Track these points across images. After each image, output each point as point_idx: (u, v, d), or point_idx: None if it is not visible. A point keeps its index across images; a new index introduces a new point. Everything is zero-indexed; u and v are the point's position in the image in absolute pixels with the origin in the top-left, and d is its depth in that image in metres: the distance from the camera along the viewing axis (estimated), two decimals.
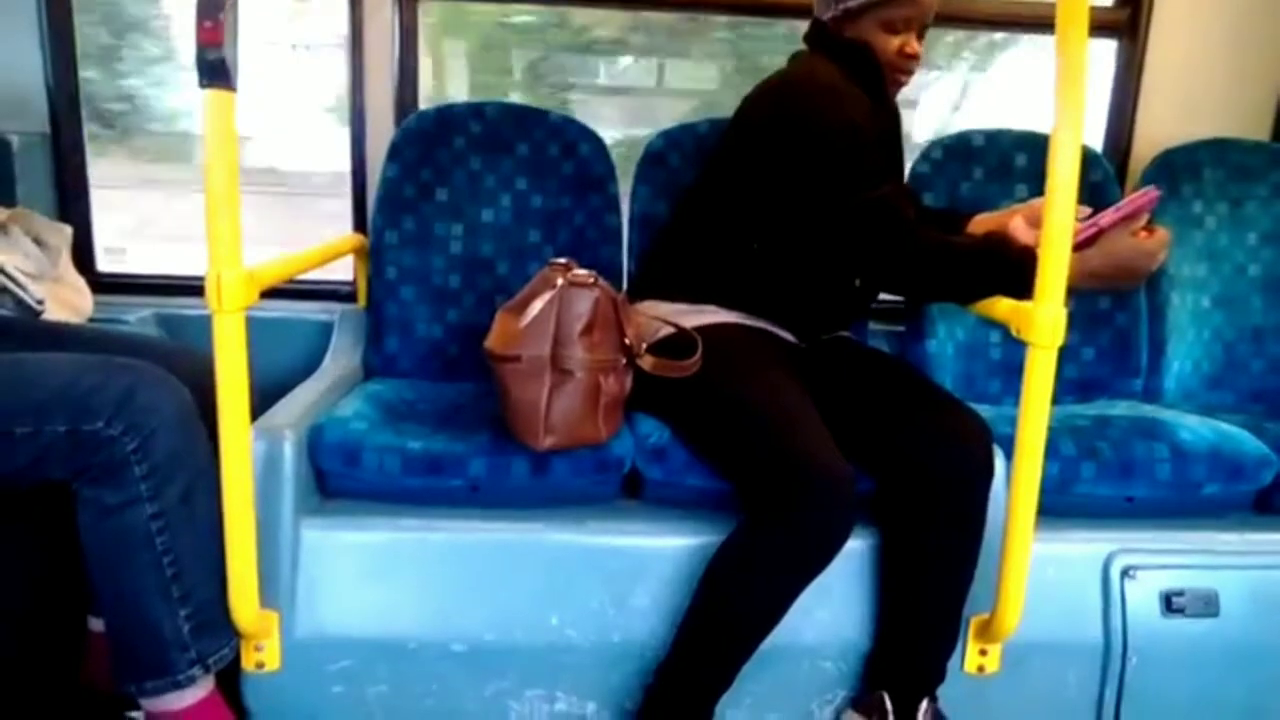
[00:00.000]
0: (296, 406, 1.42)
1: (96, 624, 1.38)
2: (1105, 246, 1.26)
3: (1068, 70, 1.05)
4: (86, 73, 1.93)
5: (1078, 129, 1.06)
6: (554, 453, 1.33)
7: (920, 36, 1.47)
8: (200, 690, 1.21)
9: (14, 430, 1.10)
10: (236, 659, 1.27)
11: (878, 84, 1.47)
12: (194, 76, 1.01)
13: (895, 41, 1.45)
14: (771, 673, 1.33)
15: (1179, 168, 1.88)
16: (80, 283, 1.75)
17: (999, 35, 2.71)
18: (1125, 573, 1.41)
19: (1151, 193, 1.26)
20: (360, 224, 1.98)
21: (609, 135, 1.85)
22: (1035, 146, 1.83)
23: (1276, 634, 1.42)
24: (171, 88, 3.73)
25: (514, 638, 1.34)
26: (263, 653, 1.29)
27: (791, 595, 1.24)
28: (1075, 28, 1.04)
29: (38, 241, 1.66)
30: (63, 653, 1.40)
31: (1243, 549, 1.46)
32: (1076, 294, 1.21)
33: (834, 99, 1.38)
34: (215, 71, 1.01)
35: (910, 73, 1.48)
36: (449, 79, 2.88)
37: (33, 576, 1.37)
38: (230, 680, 1.29)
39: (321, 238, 1.70)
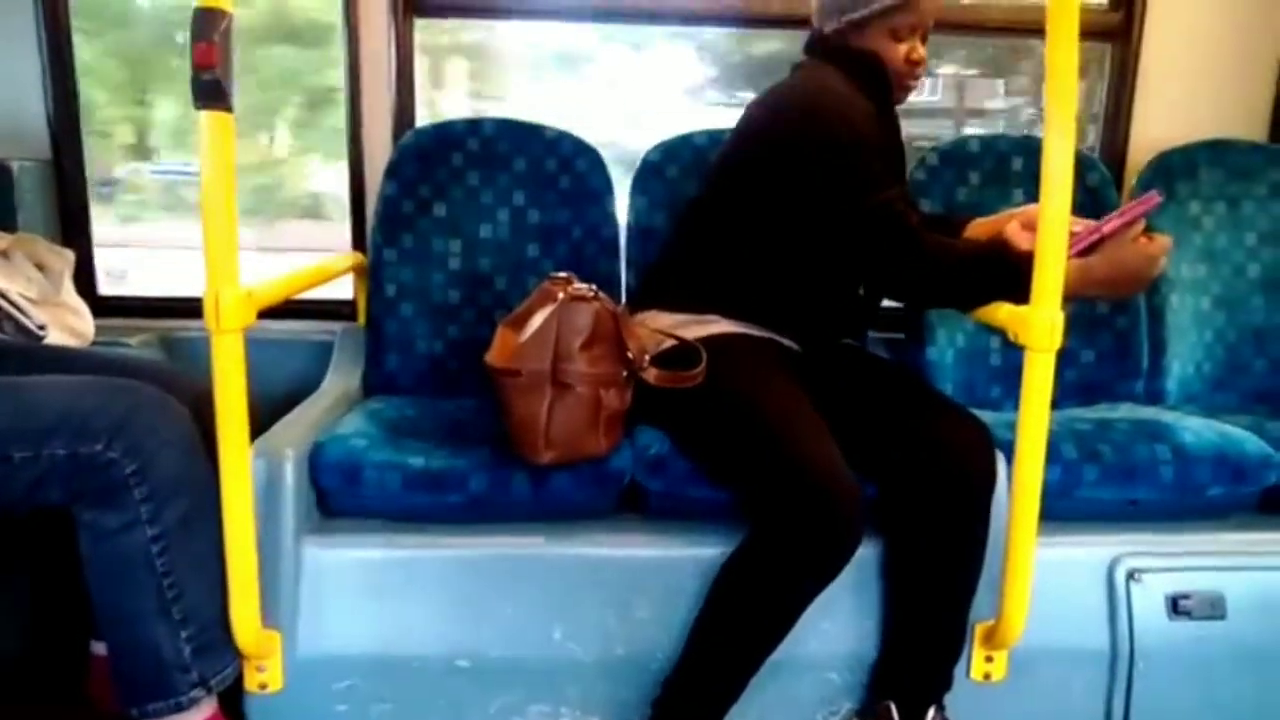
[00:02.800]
0: (297, 425, 1.42)
1: (99, 647, 1.37)
2: (1109, 253, 1.25)
3: (1058, 74, 1.05)
4: None
5: (1069, 133, 1.06)
6: (554, 467, 1.33)
7: (923, 41, 1.48)
8: (203, 711, 1.21)
9: (13, 454, 1.10)
10: (239, 679, 1.27)
11: (882, 92, 1.48)
12: None
13: (901, 49, 1.45)
14: (776, 684, 1.32)
15: (1176, 169, 1.87)
16: (82, 307, 1.75)
17: None
18: (1131, 576, 1.40)
19: (1154, 197, 1.26)
20: (359, 242, 1.98)
21: None
22: (1031, 151, 1.83)
23: None
24: None
25: (517, 653, 1.33)
26: (265, 673, 1.29)
27: (799, 608, 1.24)
28: (1065, 32, 1.04)
29: (40, 266, 1.67)
30: (66, 676, 1.40)
31: (1248, 550, 1.45)
32: (1080, 300, 1.21)
33: (839, 107, 1.38)
34: (211, 93, 1.01)
35: (918, 78, 1.49)
36: None
37: (34, 601, 1.37)
38: (233, 701, 1.28)
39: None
